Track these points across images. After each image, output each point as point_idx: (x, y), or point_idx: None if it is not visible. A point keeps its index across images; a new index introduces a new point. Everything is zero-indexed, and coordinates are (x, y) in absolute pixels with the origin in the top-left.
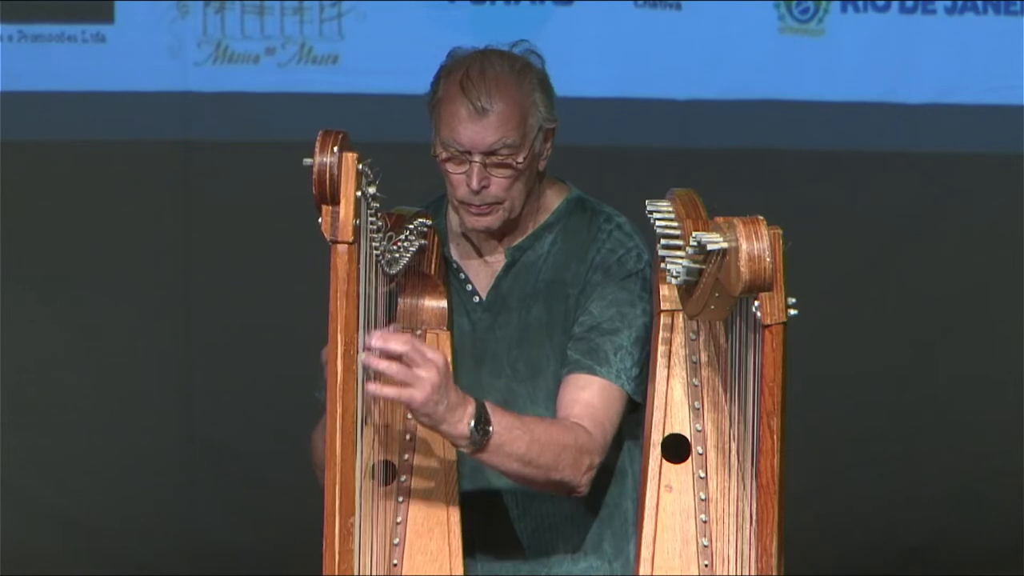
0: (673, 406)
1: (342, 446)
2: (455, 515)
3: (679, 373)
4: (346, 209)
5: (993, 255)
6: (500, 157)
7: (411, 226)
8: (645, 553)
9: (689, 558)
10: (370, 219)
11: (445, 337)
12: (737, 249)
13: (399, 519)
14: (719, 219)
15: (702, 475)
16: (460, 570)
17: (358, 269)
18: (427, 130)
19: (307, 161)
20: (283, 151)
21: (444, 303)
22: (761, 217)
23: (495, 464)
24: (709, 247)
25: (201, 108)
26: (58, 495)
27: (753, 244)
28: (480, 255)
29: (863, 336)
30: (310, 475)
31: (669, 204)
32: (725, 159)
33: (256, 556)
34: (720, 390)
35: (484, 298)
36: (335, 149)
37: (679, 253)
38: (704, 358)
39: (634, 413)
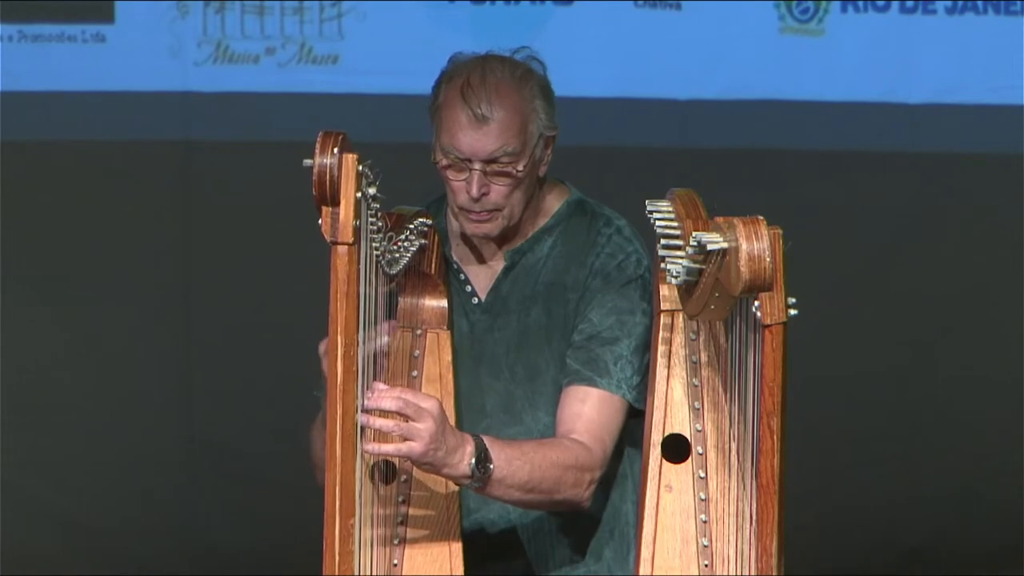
0: (673, 406)
1: (342, 447)
2: (455, 516)
3: (679, 373)
4: (346, 210)
5: (993, 255)
6: (500, 165)
7: (411, 226)
8: (645, 553)
9: (689, 558)
10: (370, 220)
11: (445, 336)
12: (737, 249)
13: (399, 519)
14: (719, 219)
15: (702, 475)
16: (460, 570)
17: (358, 270)
18: (427, 130)
19: (307, 162)
20: (283, 151)
21: (444, 303)
22: (761, 217)
23: (499, 496)
24: (709, 247)
25: (201, 108)
26: (58, 495)
27: (753, 244)
28: (480, 257)
29: (863, 336)
30: (310, 475)
31: (669, 204)
32: (725, 159)
33: (256, 556)
34: (720, 390)
35: (483, 300)
36: (335, 150)
37: (679, 253)
38: (704, 358)
39: (635, 418)
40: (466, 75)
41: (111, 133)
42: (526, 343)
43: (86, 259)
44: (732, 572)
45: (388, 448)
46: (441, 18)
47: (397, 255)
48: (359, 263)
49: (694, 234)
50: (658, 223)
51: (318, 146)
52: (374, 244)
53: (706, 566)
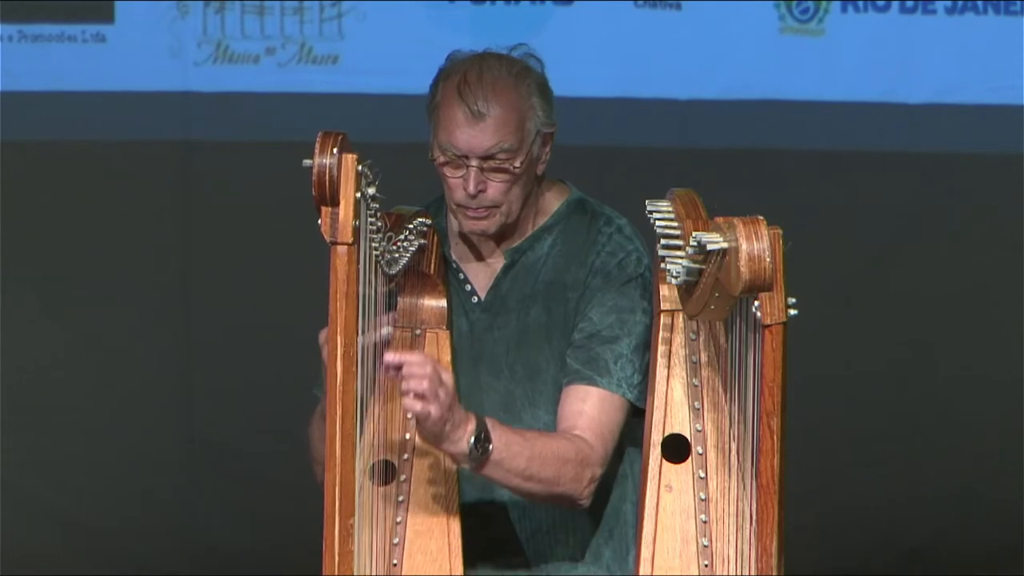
0: (673, 406)
1: (342, 446)
2: (455, 515)
3: (679, 373)
4: (345, 211)
5: (993, 255)
6: (497, 161)
7: (411, 226)
8: (645, 553)
9: (689, 558)
10: (370, 220)
11: (445, 336)
12: (737, 249)
13: (399, 519)
14: (719, 219)
15: (702, 475)
16: (460, 570)
17: (358, 270)
18: (427, 130)
19: (307, 162)
20: (283, 151)
21: (444, 302)
22: (761, 217)
23: (496, 479)
24: (709, 247)
25: (201, 108)
26: (58, 495)
27: (753, 244)
28: (480, 256)
29: (863, 336)
30: (310, 475)
31: (669, 204)
32: (725, 159)
33: (256, 556)
34: (720, 390)
35: (483, 299)
36: (335, 151)
37: (679, 253)
38: (704, 358)
39: (637, 417)
40: (463, 72)
41: (111, 133)
42: (526, 342)
43: (86, 259)
44: (732, 572)
45: (414, 403)
46: (441, 18)
47: (396, 255)
48: (359, 263)
49: (694, 234)
50: (658, 223)
51: (318, 146)
52: (374, 244)
53: (706, 566)
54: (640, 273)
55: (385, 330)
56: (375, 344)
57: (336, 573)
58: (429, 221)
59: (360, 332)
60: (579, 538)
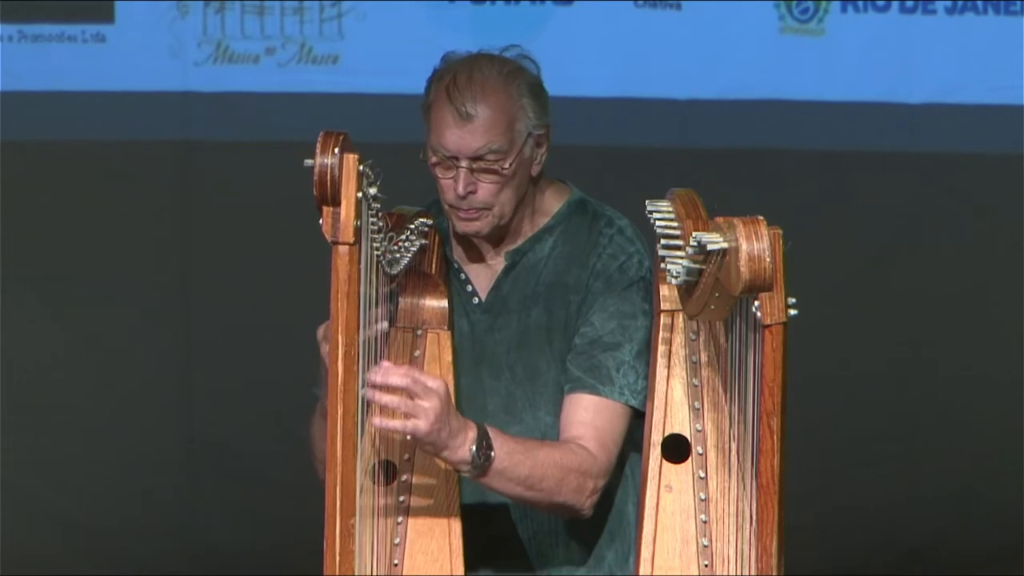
0: (673, 406)
1: (342, 446)
2: (455, 515)
3: (679, 373)
4: (347, 210)
5: (993, 255)
6: (486, 163)
7: (412, 226)
8: (645, 553)
9: (689, 558)
10: (371, 220)
11: (446, 336)
12: (737, 249)
13: (399, 519)
14: (719, 219)
15: (702, 475)
16: (460, 570)
17: (359, 270)
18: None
19: (308, 162)
20: (283, 151)
21: (445, 303)
22: (761, 217)
23: (497, 488)
24: (709, 247)
25: (201, 108)
26: (58, 495)
27: (753, 244)
28: (481, 257)
29: (863, 336)
30: (310, 475)
31: (669, 204)
32: (725, 159)
33: (256, 556)
34: (720, 390)
35: (484, 300)
36: (336, 150)
37: (679, 253)
38: (704, 358)
39: (639, 419)
40: (453, 74)
41: (111, 133)
42: (527, 343)
43: (86, 259)
44: (732, 572)
45: (394, 424)
46: (441, 18)
47: (398, 255)
48: (360, 263)
49: (694, 234)
50: (658, 223)
51: (319, 146)
52: (375, 244)
53: (706, 566)
54: (641, 276)
55: (383, 324)
56: (374, 339)
57: (337, 573)
58: (430, 221)
59: (361, 332)
60: (582, 541)
